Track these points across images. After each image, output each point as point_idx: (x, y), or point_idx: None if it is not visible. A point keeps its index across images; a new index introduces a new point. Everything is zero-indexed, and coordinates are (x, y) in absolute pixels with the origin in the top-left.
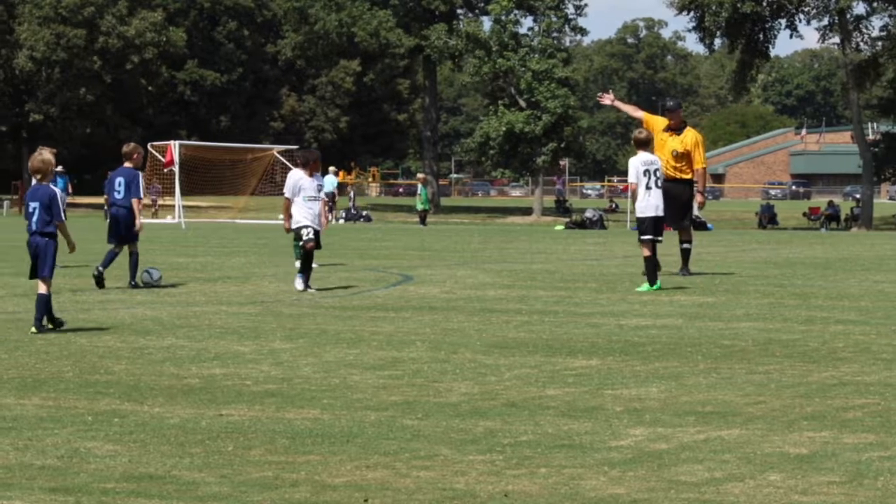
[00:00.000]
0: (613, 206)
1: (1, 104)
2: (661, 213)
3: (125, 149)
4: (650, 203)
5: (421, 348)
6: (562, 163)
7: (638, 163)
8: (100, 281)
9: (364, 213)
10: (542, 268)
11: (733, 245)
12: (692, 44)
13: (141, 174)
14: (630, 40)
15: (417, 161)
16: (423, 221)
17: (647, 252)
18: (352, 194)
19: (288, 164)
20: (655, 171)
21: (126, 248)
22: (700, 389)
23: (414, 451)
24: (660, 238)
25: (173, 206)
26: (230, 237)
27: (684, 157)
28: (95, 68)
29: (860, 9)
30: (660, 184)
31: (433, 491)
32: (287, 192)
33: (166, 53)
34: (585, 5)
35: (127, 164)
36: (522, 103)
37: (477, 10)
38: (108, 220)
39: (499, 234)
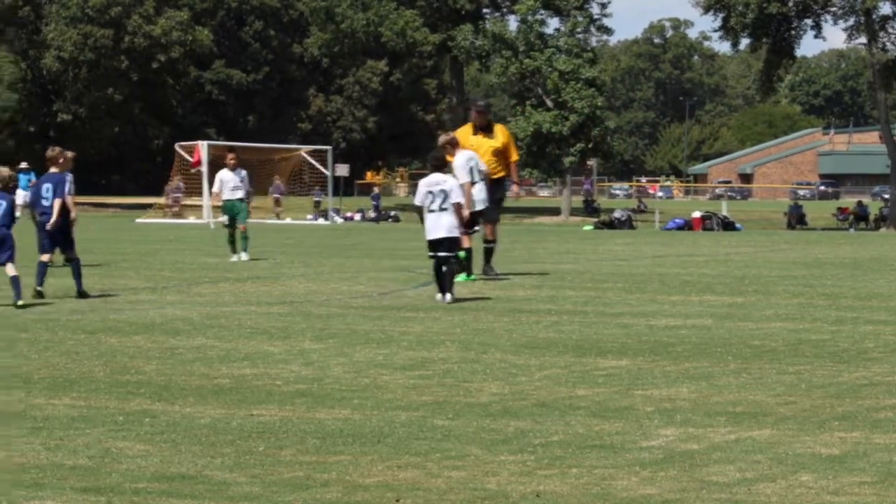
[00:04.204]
0: (642, 206)
1: (29, 104)
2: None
3: (49, 153)
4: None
5: (451, 348)
6: (589, 163)
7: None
8: (42, 295)
9: (392, 213)
10: (572, 268)
11: (762, 245)
12: (718, 44)
13: (69, 176)
14: (656, 40)
15: None
16: None
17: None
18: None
19: (316, 164)
20: (475, 164)
21: (59, 258)
22: (731, 390)
23: (445, 452)
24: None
25: (200, 206)
26: (259, 237)
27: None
28: (122, 68)
29: (886, 9)
30: (481, 177)
31: (464, 491)
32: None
33: (193, 53)
34: (609, 2)
35: (53, 170)
36: (549, 103)
37: (503, 10)
38: (38, 231)
39: (527, 234)
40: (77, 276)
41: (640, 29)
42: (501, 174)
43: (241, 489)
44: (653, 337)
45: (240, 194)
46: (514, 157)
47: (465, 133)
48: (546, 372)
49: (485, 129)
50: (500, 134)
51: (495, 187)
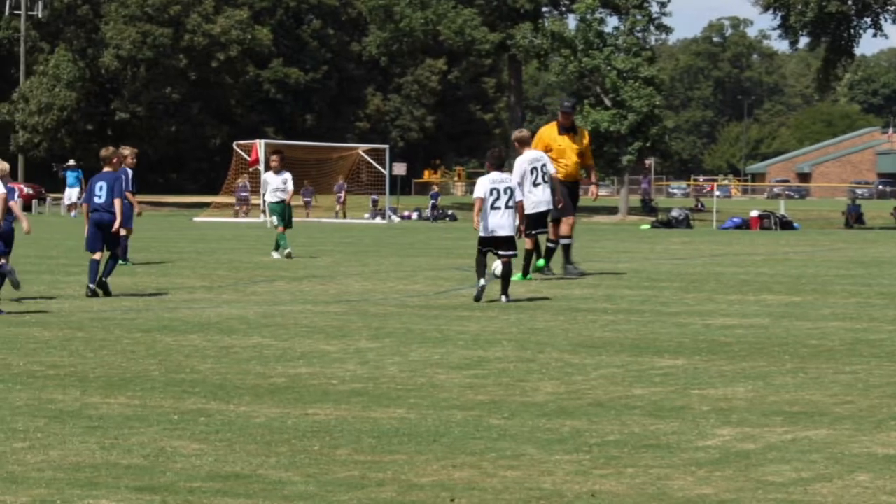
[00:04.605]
0: (699, 205)
1: (87, 103)
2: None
3: (103, 153)
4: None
5: (507, 347)
6: (647, 162)
7: (525, 161)
8: (96, 294)
9: (449, 211)
10: (628, 267)
11: (820, 244)
12: (777, 42)
13: (125, 175)
14: (716, 39)
15: None
16: None
17: (530, 245)
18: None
19: (374, 163)
20: (542, 166)
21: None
22: (787, 389)
23: (500, 451)
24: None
25: (258, 204)
26: (316, 236)
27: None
28: (181, 67)
29: None
30: (546, 179)
31: (520, 491)
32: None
33: (251, 52)
34: (669, 1)
35: (107, 169)
36: (608, 102)
37: (562, 9)
38: (88, 228)
39: (584, 232)
40: (108, 270)
41: (700, 27)
42: (580, 177)
43: (295, 488)
44: (709, 336)
45: (281, 196)
46: (591, 160)
47: (550, 132)
48: (602, 371)
49: (570, 129)
50: (585, 136)
51: (574, 188)
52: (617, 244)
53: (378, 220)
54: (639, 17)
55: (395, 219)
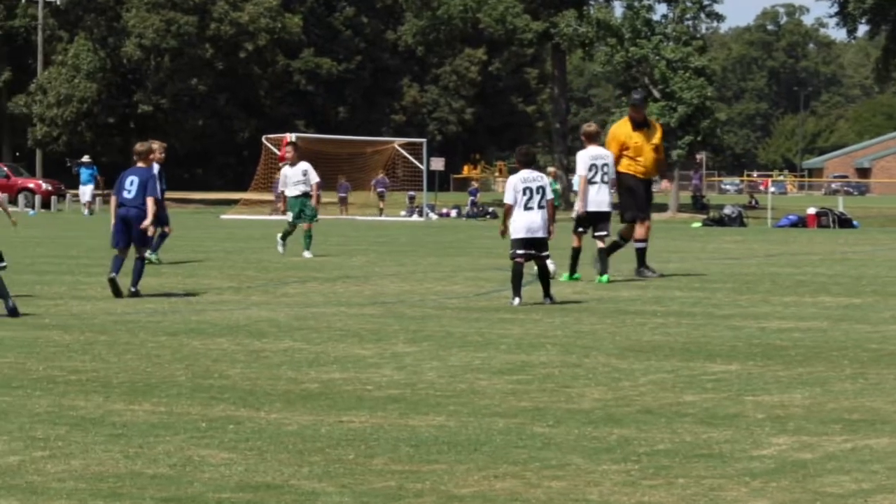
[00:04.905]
0: (753, 202)
1: (108, 95)
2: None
3: (139, 147)
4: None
5: (551, 352)
6: (698, 157)
7: (587, 157)
8: (115, 283)
9: (490, 209)
10: (679, 267)
11: (880, 243)
12: (835, 31)
13: (156, 173)
14: (770, 27)
15: (546, 155)
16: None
17: (577, 243)
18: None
19: (410, 157)
20: (603, 165)
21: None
22: (847, 396)
23: (545, 460)
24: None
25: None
26: (350, 234)
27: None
28: (207, 57)
29: None
30: (606, 180)
31: (565, 502)
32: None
33: (281, 41)
34: None
35: (140, 164)
36: (656, 94)
37: None
38: (114, 223)
39: None
40: (136, 277)
41: (753, 15)
42: (657, 174)
43: (330, 499)
44: (764, 340)
45: (303, 189)
46: (663, 154)
47: (625, 129)
48: (651, 377)
49: (643, 124)
50: (658, 129)
51: (650, 187)
52: (667, 243)
53: (415, 217)
54: (689, 4)
55: (433, 216)
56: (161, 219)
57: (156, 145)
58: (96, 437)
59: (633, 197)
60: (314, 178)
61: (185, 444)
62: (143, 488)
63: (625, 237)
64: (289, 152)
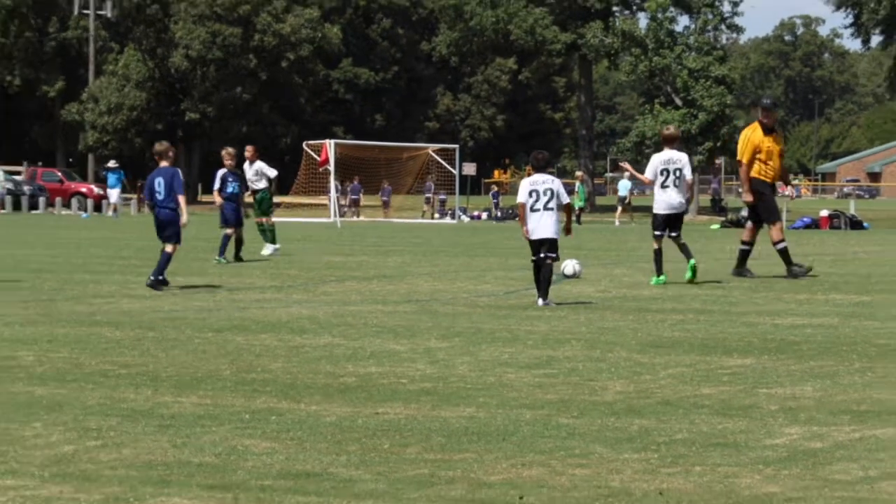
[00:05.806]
0: None
1: (157, 103)
2: (672, 211)
3: (158, 147)
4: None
5: (576, 347)
6: (717, 162)
7: (658, 161)
8: (154, 286)
9: (510, 210)
10: (698, 266)
11: (890, 244)
12: (850, 41)
13: (179, 170)
14: (787, 38)
15: (573, 160)
16: (578, 220)
17: (656, 245)
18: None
19: (444, 163)
20: (676, 170)
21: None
22: (855, 388)
23: (569, 450)
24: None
25: (325, 204)
26: (386, 236)
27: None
28: (251, 66)
29: None
30: (678, 183)
31: (588, 489)
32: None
33: (321, 51)
34: (741, 1)
35: (164, 164)
36: (678, 102)
37: (633, 8)
38: (155, 222)
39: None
40: (160, 267)
41: (771, 26)
42: (780, 180)
43: (366, 486)
44: (778, 335)
45: (258, 186)
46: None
47: (758, 134)
48: (671, 370)
49: (773, 130)
50: (781, 136)
51: (774, 190)
52: (687, 244)
53: (447, 219)
54: (710, 16)
55: (465, 219)
56: (230, 220)
57: (230, 151)
58: (146, 428)
59: (765, 200)
60: (271, 173)
61: (230, 434)
62: (190, 476)
63: (747, 241)
64: (249, 151)
